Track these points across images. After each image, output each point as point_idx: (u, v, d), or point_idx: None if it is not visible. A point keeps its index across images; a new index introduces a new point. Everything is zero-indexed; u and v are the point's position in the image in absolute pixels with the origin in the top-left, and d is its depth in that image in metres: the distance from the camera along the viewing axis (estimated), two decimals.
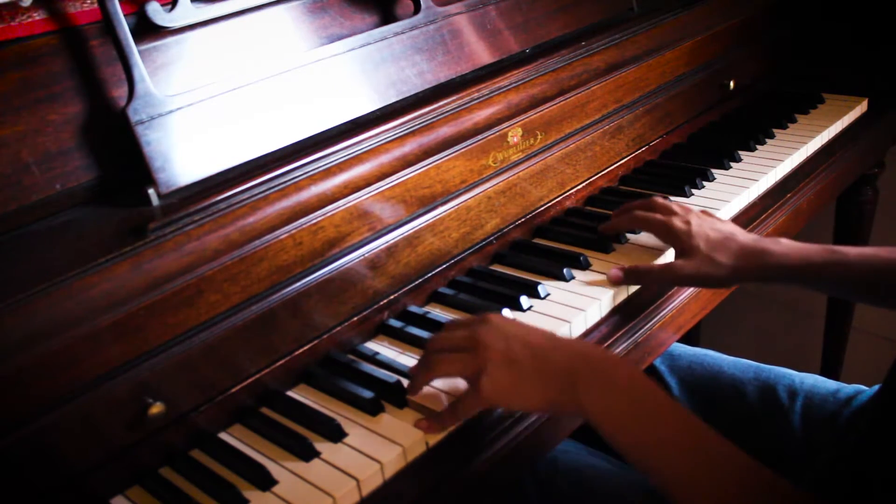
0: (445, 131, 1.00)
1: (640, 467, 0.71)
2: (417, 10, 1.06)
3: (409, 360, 0.88)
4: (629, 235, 1.11)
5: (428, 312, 0.98)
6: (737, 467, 0.66)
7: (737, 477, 0.66)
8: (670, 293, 1.03)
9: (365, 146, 0.92)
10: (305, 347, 0.88)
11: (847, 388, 1.09)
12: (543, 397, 0.74)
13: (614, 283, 1.00)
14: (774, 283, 0.97)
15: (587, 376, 0.72)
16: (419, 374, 0.82)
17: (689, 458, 0.68)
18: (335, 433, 0.79)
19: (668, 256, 1.06)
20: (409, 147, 0.96)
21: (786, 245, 0.94)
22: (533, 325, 0.80)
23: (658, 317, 0.99)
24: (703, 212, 1.02)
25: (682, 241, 0.98)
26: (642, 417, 0.70)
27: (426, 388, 0.83)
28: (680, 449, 0.68)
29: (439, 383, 0.85)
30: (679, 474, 0.68)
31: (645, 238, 1.10)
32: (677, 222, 0.99)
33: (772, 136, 1.40)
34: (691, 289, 1.04)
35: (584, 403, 0.72)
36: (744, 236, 0.97)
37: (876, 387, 1.08)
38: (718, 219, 1.01)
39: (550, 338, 0.78)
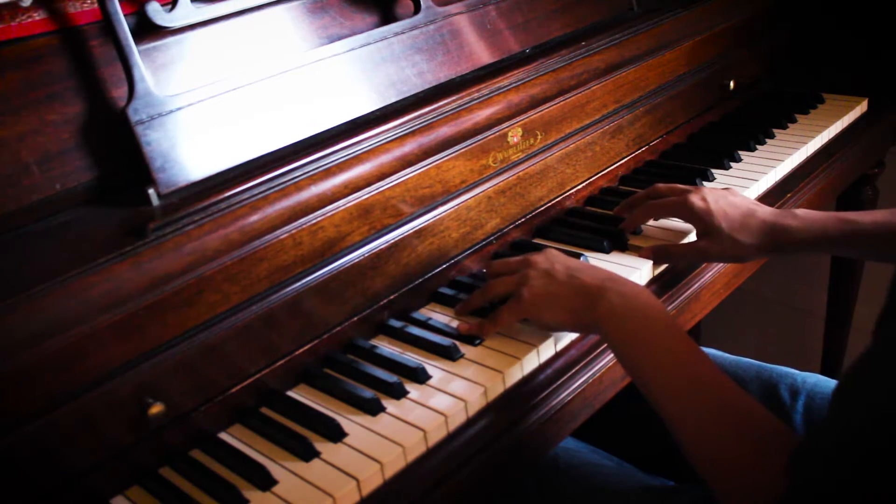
0: (445, 131, 1.00)
1: (640, 387, 0.76)
2: (417, 10, 1.06)
3: (409, 358, 0.88)
4: (630, 234, 1.11)
5: (428, 313, 0.98)
6: (732, 403, 0.69)
7: (724, 404, 0.69)
8: (674, 291, 1.03)
9: (365, 146, 0.92)
10: (305, 347, 0.88)
11: None
12: (570, 311, 0.83)
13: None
14: (793, 255, 1.01)
15: (609, 295, 0.80)
16: (476, 296, 0.94)
17: (684, 385, 0.72)
18: (335, 433, 0.79)
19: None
20: (409, 147, 0.96)
21: (803, 219, 0.98)
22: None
23: None
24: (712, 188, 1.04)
25: (703, 220, 1.00)
26: (648, 339, 0.76)
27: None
28: (678, 376, 0.73)
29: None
30: (673, 400, 0.72)
31: (645, 235, 1.11)
32: (696, 201, 1.01)
33: (772, 136, 1.40)
34: (691, 289, 1.05)
35: (601, 320, 0.80)
36: (763, 212, 0.99)
37: None
38: (731, 192, 1.04)
39: (589, 266, 0.88)
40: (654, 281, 1.04)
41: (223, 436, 0.82)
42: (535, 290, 0.86)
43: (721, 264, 1.09)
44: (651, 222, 1.13)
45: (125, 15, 0.81)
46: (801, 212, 0.99)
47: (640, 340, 0.76)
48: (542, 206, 1.14)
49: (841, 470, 0.56)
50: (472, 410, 0.82)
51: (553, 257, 0.89)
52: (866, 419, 0.55)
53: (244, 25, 0.94)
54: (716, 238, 0.99)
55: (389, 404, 0.82)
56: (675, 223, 1.12)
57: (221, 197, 0.81)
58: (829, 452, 0.58)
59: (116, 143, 0.82)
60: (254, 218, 0.82)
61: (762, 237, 0.98)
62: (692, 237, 1.09)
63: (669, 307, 1.01)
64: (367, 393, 0.83)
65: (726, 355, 1.20)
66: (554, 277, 0.86)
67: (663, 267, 1.06)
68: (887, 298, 0.59)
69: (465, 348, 0.90)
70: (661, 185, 1.09)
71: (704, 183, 1.25)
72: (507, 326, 0.90)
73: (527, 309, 0.86)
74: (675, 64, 1.33)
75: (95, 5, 0.84)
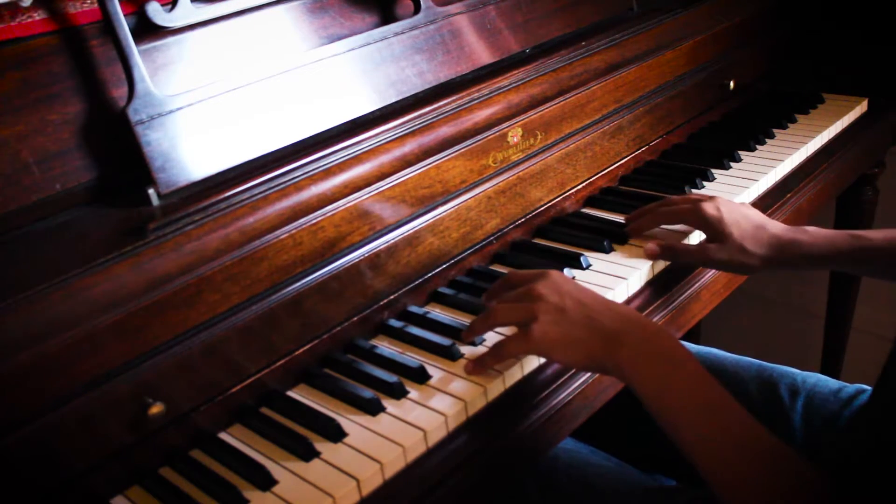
0: (445, 131, 1.00)
1: (668, 433, 0.74)
2: (417, 10, 1.06)
3: (409, 359, 0.88)
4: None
5: (428, 312, 0.98)
6: (759, 442, 0.69)
7: (758, 452, 0.68)
8: (672, 292, 1.03)
9: (365, 146, 0.92)
10: (305, 347, 0.88)
11: (849, 388, 1.09)
12: (586, 352, 0.78)
13: (650, 256, 1.04)
14: (802, 270, 0.99)
15: (630, 340, 0.76)
16: (479, 324, 0.87)
17: (715, 430, 0.71)
18: (335, 433, 0.79)
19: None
20: (409, 147, 0.96)
21: (813, 235, 0.97)
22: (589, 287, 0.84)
23: (659, 315, 1.00)
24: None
25: (714, 227, 1.00)
26: (676, 386, 0.73)
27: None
28: (707, 421, 0.71)
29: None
30: (704, 443, 0.71)
31: (645, 235, 1.10)
32: (709, 208, 1.00)
33: (772, 136, 1.40)
34: (691, 288, 1.05)
35: (623, 365, 0.76)
36: (773, 227, 0.99)
37: None
38: (744, 205, 1.03)
39: (603, 301, 0.82)
40: (652, 282, 1.04)
41: (223, 436, 0.82)
42: (547, 329, 0.79)
43: None
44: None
45: (125, 15, 0.81)
46: (811, 229, 0.98)
47: (666, 385, 0.74)
48: (541, 206, 1.14)
49: None
50: (472, 410, 0.82)
51: (561, 289, 0.82)
52: None
53: (244, 25, 0.94)
54: (725, 245, 0.98)
55: (389, 404, 0.82)
56: (677, 225, 1.12)
57: (221, 197, 0.81)
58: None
59: (116, 143, 0.82)
60: (254, 218, 0.82)
61: (771, 250, 0.98)
62: (693, 237, 1.09)
63: (668, 308, 1.01)
64: (367, 393, 0.83)
65: (727, 354, 1.20)
66: (567, 315, 0.79)
67: (662, 268, 1.06)
68: None
69: (465, 348, 0.90)
70: (674, 197, 1.08)
71: (704, 183, 1.25)
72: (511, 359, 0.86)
73: (537, 348, 0.81)
74: (675, 64, 1.33)
75: (95, 5, 0.84)
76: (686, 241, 1.08)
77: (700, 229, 1.05)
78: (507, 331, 0.91)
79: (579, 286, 0.84)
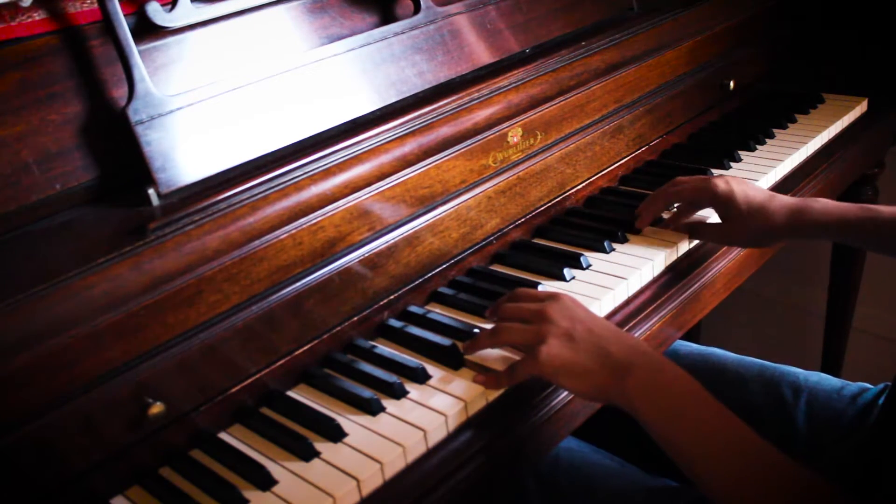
0: (445, 131, 1.00)
1: (677, 461, 0.73)
2: (417, 10, 1.06)
3: (409, 358, 0.88)
4: (631, 235, 1.11)
5: (428, 312, 0.98)
6: (770, 464, 0.69)
7: (769, 472, 0.68)
8: (675, 290, 1.03)
9: (365, 146, 0.92)
10: (305, 347, 0.88)
11: (851, 386, 1.09)
12: (594, 382, 0.77)
13: (672, 226, 1.10)
14: (813, 240, 1.00)
15: (638, 370, 0.75)
16: (484, 339, 0.86)
17: (724, 456, 0.70)
18: (335, 433, 0.79)
19: (660, 255, 1.06)
20: (409, 147, 0.96)
21: (823, 203, 0.99)
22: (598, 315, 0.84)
23: (659, 315, 1.00)
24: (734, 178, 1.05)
25: (725, 203, 1.02)
26: (685, 415, 0.73)
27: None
28: (717, 448, 0.71)
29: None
30: (714, 468, 0.71)
31: (647, 235, 1.11)
32: (719, 184, 1.02)
33: (772, 136, 1.40)
34: (692, 288, 1.05)
35: (630, 395, 0.75)
36: (783, 197, 1.01)
37: (882, 385, 1.08)
38: (753, 184, 1.05)
39: (613, 330, 0.81)
40: (652, 282, 1.04)
41: (223, 436, 0.82)
42: (554, 354, 0.78)
43: (722, 262, 1.09)
44: (664, 215, 1.14)
45: (125, 15, 0.81)
46: (821, 199, 1.00)
47: (675, 416, 0.73)
48: (541, 206, 1.14)
49: None
50: (473, 410, 0.82)
51: (572, 313, 0.81)
52: None
53: (244, 25, 0.94)
54: (738, 220, 1.01)
55: (389, 404, 0.82)
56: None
57: (221, 197, 0.81)
58: None
59: (116, 143, 0.82)
60: (254, 218, 0.82)
61: (783, 220, 0.99)
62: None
63: (669, 307, 1.01)
64: (367, 393, 0.83)
65: (729, 354, 1.20)
66: (576, 342, 0.78)
67: (662, 268, 1.06)
68: None
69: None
70: (681, 178, 1.09)
71: None
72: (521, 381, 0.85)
73: (544, 371, 0.79)
74: (675, 64, 1.33)
75: (95, 5, 0.84)
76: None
77: (712, 206, 1.06)
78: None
79: (590, 313, 0.82)
